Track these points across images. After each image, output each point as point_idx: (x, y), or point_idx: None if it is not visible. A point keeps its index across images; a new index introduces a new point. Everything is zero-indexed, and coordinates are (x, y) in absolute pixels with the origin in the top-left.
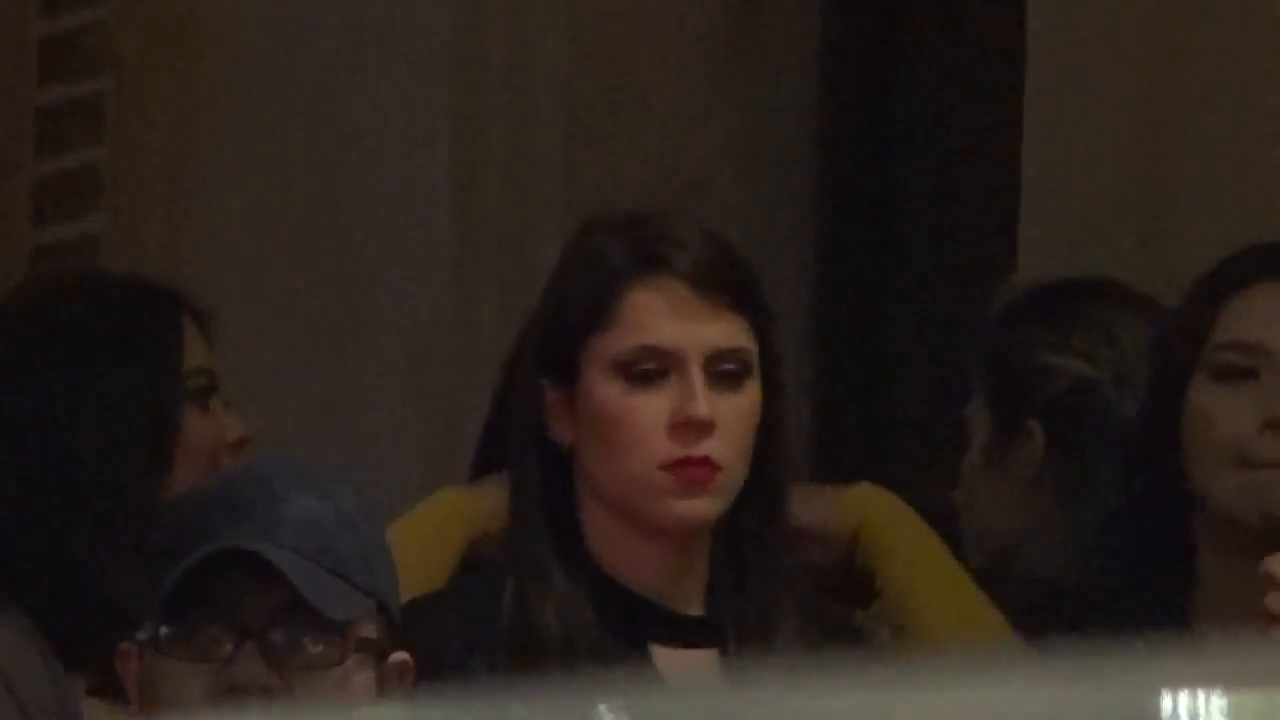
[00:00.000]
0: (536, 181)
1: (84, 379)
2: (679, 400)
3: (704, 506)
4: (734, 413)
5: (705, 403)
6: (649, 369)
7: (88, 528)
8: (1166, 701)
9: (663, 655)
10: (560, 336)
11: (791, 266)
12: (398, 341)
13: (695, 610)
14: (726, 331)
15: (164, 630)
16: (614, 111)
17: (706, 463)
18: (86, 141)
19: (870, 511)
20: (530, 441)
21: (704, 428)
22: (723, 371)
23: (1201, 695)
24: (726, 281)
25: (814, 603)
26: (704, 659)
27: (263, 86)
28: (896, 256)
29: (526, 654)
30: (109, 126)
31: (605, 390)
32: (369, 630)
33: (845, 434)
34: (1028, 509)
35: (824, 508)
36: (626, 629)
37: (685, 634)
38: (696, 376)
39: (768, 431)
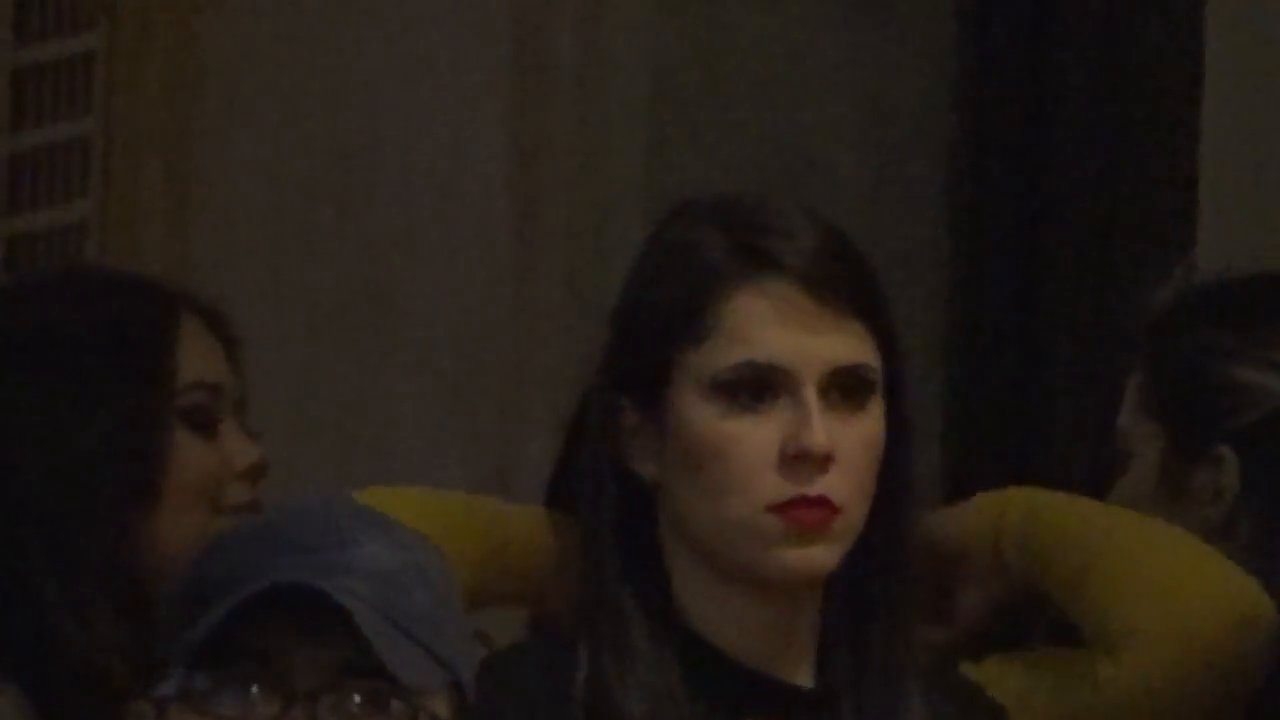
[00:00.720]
0: (611, 158)
1: (51, 399)
2: (791, 427)
3: (820, 556)
4: (855, 442)
5: (823, 430)
6: (756, 390)
7: (56, 576)
8: None
9: None
10: (644, 348)
11: (924, 263)
12: (445, 348)
13: (805, 681)
14: (847, 344)
15: (198, 681)
16: (707, 74)
17: (824, 503)
18: (71, 111)
19: (1012, 503)
20: (606, 475)
21: (821, 461)
22: (842, 392)
23: None
24: (845, 283)
25: (946, 671)
26: None
27: (281, 40)
28: (1047, 250)
29: None
30: (98, 93)
31: (700, 414)
32: (440, 707)
33: (982, 458)
34: None
35: (949, 519)
36: (724, 704)
37: (794, 709)
38: (812, 399)
39: (892, 463)
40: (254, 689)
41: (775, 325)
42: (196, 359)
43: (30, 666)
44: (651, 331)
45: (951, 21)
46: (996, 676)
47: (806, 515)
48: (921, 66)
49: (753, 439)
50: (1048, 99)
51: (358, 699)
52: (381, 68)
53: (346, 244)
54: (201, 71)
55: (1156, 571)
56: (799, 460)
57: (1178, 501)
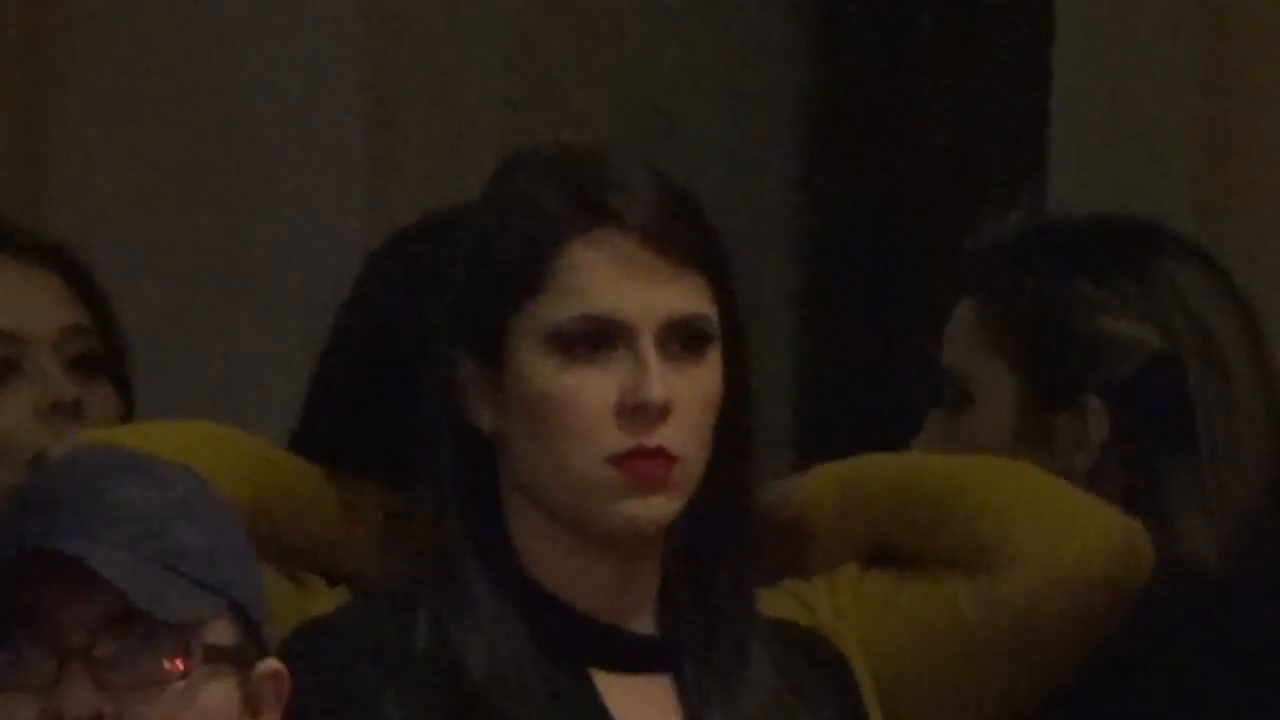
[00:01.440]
0: (468, 112)
1: None
2: (629, 379)
3: (659, 506)
4: (693, 393)
5: (660, 382)
6: (593, 342)
7: None
8: None
9: (609, 683)
10: (482, 301)
11: (780, 216)
12: (300, 300)
13: (646, 629)
14: (684, 295)
15: None
16: (565, 26)
17: (661, 454)
18: None
19: (852, 464)
20: (445, 429)
21: (659, 412)
22: (679, 343)
23: None
24: (683, 235)
25: (788, 623)
26: (658, 687)
27: None
28: (903, 203)
29: (449, 691)
30: None
31: (539, 368)
32: (221, 635)
33: (834, 412)
34: None
35: (789, 489)
36: (568, 654)
37: (636, 658)
38: (649, 350)
39: (731, 413)
40: (27, 652)
41: (612, 278)
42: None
43: None
44: (489, 284)
45: None
46: (866, 578)
47: (645, 467)
48: (778, 19)
49: (591, 391)
50: (904, 49)
51: (128, 643)
52: (239, 19)
53: (203, 197)
54: (61, 23)
55: (1044, 501)
56: (637, 412)
57: (1040, 448)
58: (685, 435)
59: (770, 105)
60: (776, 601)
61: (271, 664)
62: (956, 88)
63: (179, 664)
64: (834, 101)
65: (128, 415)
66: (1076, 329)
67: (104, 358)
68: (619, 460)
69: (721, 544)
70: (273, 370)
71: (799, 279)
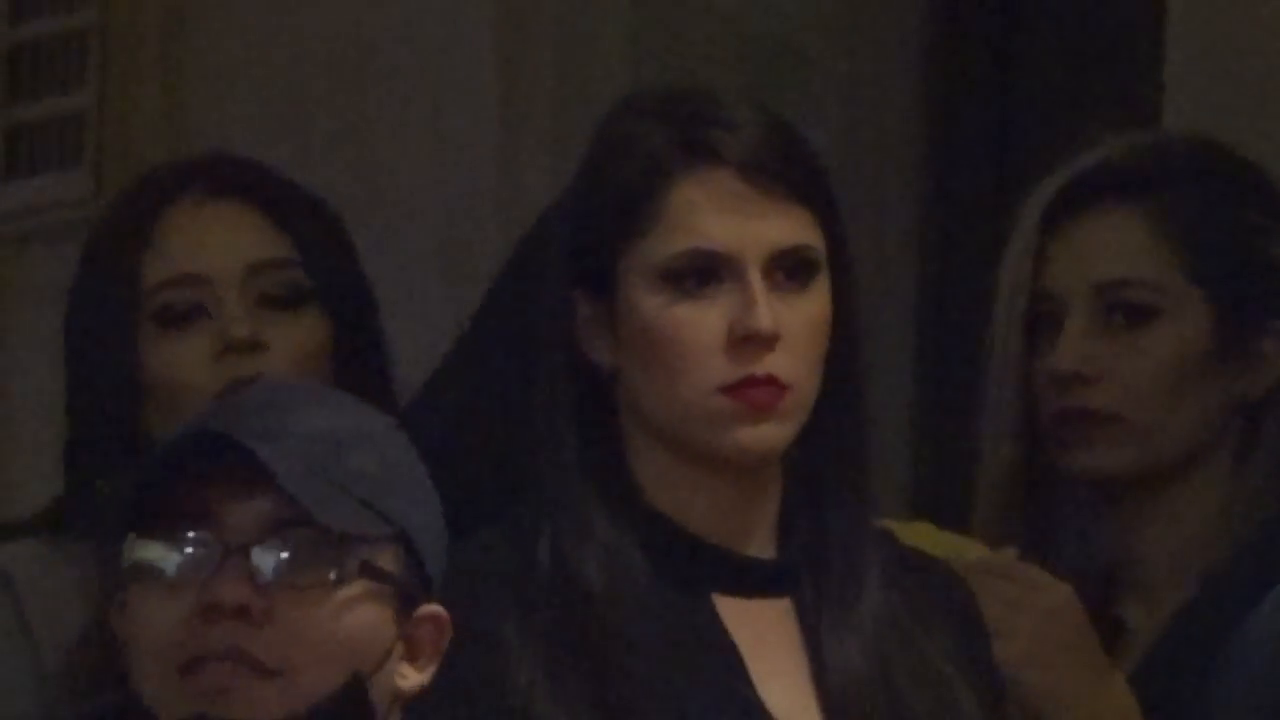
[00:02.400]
0: (594, 53)
1: (72, 302)
2: (737, 311)
3: (771, 433)
4: (801, 321)
5: (767, 312)
6: (702, 276)
7: (72, 471)
8: None
9: (728, 606)
10: (594, 241)
11: (901, 150)
12: (431, 239)
13: (765, 554)
14: (788, 227)
15: (141, 550)
16: None
17: (772, 382)
18: (70, 4)
19: None
20: (562, 364)
21: (767, 341)
22: (785, 273)
23: None
24: (785, 169)
25: (904, 547)
26: (777, 610)
27: None
28: (1019, 134)
29: (568, 616)
30: None
31: (650, 303)
32: (383, 560)
33: (954, 345)
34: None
35: None
36: (685, 578)
37: (754, 582)
38: (756, 282)
39: (841, 340)
40: (193, 545)
41: (717, 213)
42: (179, 250)
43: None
44: (601, 225)
45: None
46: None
47: (756, 395)
48: None
49: (701, 324)
50: None
51: (289, 547)
52: None
53: (337, 137)
54: None
55: None
56: (746, 342)
57: (1229, 368)
58: (794, 363)
59: (893, 42)
60: (920, 534)
61: (435, 608)
62: (1069, 26)
63: (333, 574)
64: (953, 39)
65: (344, 346)
66: (1267, 256)
67: (309, 289)
68: (730, 389)
69: (837, 469)
70: (402, 304)
71: (921, 210)
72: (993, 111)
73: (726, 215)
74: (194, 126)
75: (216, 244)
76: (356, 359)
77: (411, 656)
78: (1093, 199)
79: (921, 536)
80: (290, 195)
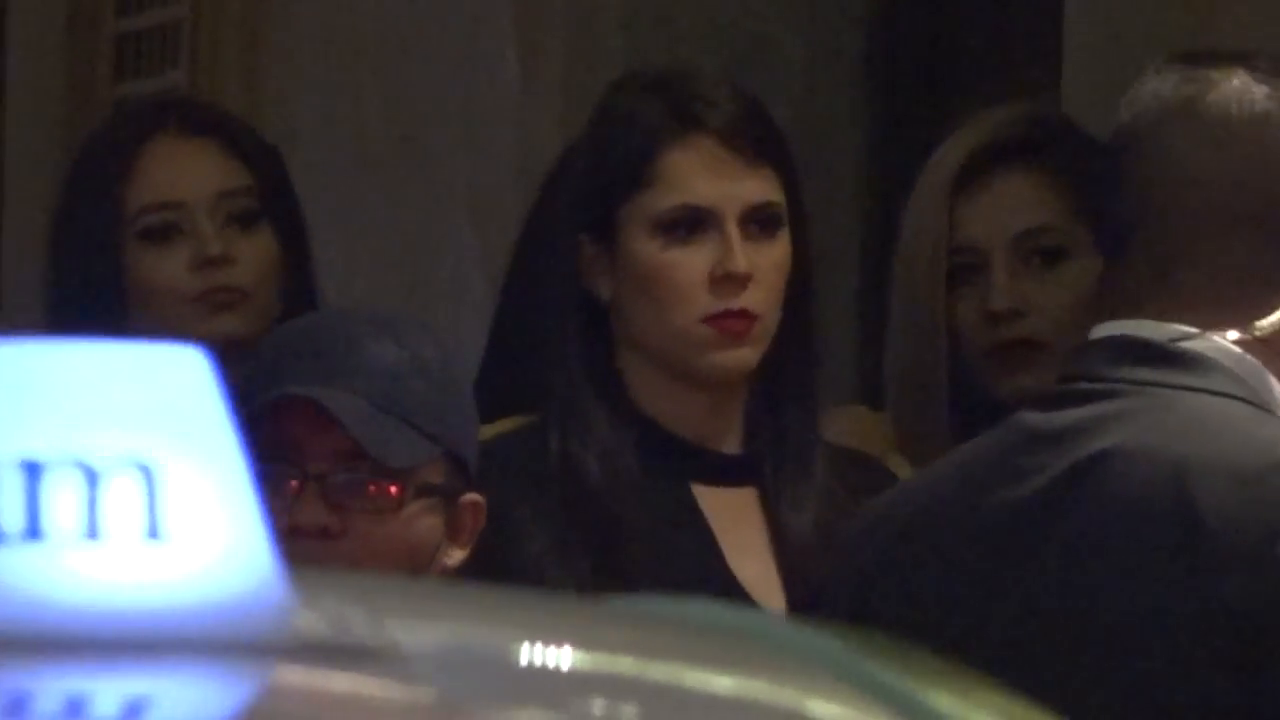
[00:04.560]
0: (596, 29)
1: (58, 223)
2: (718, 255)
3: (744, 356)
4: (768, 264)
5: (743, 257)
6: (688, 226)
7: None
8: None
9: (704, 494)
10: (598, 195)
11: (848, 120)
12: (462, 192)
13: (735, 450)
14: (759, 186)
15: None
16: None
17: (745, 314)
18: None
19: None
20: (569, 295)
21: (742, 280)
22: (757, 225)
23: None
24: (757, 137)
25: (842, 448)
26: (744, 496)
27: None
28: (948, 110)
29: (572, 500)
30: None
31: (646, 247)
32: (434, 475)
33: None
34: None
35: None
36: (669, 470)
37: (726, 473)
38: (733, 231)
39: (799, 279)
40: (278, 474)
41: (703, 174)
42: (163, 175)
43: None
44: (604, 182)
45: None
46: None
47: (732, 324)
48: None
49: (688, 265)
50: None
51: (357, 475)
52: None
53: (386, 95)
54: None
55: None
56: (725, 280)
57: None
58: (763, 298)
59: (842, 29)
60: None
61: (473, 496)
62: (988, 14)
63: (397, 498)
64: (893, 24)
65: (290, 264)
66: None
67: (263, 214)
68: (711, 319)
69: (793, 382)
70: (435, 237)
71: (865, 170)
72: (926, 86)
73: (710, 176)
74: (270, 101)
75: (191, 174)
76: (298, 270)
77: (454, 537)
78: (996, 162)
79: (857, 417)
80: (247, 134)
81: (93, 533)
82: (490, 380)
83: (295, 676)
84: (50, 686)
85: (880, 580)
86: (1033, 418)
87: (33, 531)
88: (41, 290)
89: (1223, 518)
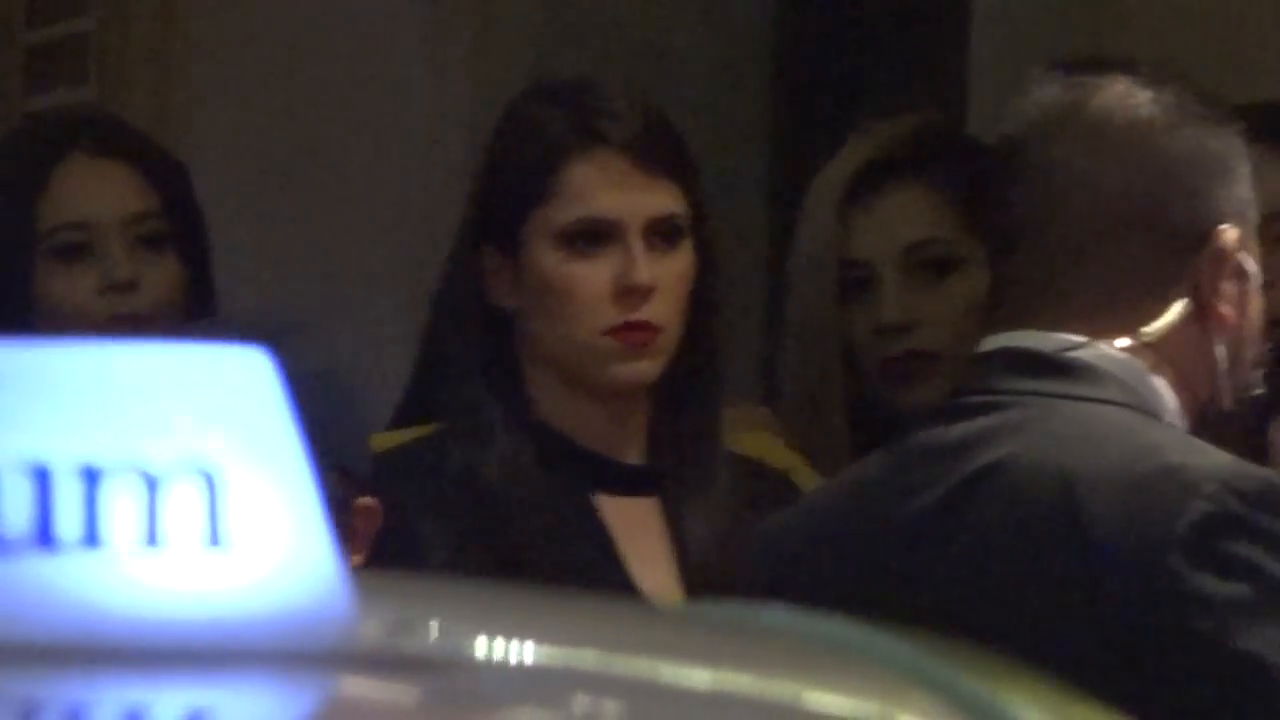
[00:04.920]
0: (505, 53)
1: None
2: (620, 267)
3: (646, 367)
4: (671, 276)
5: (645, 269)
6: (591, 239)
7: None
8: None
9: (606, 504)
10: (503, 208)
11: (750, 130)
12: (379, 203)
13: (637, 460)
14: (662, 199)
15: None
16: None
17: (647, 326)
18: (74, 13)
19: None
20: (473, 305)
21: (645, 293)
22: (660, 237)
23: None
24: (660, 150)
25: (744, 458)
26: (646, 506)
27: None
28: (855, 120)
29: (473, 510)
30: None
31: (549, 260)
32: (329, 485)
33: None
34: None
35: None
36: (571, 480)
37: (628, 483)
38: (636, 244)
39: (702, 291)
40: None
41: (606, 187)
42: (75, 195)
43: None
44: (508, 194)
45: None
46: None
47: (634, 336)
48: None
49: (591, 278)
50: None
51: None
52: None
53: (294, 106)
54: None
55: None
56: (627, 293)
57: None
58: (666, 310)
59: (744, 43)
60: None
61: (367, 501)
62: (895, 21)
63: None
64: (796, 37)
65: (194, 287)
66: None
67: (171, 237)
68: (614, 331)
69: (695, 392)
70: (352, 254)
71: (767, 179)
72: (831, 97)
73: (613, 189)
74: (178, 114)
75: (102, 195)
76: (202, 293)
77: (347, 543)
78: (885, 176)
79: (766, 426)
80: (157, 155)
81: (152, 540)
82: (417, 391)
83: (359, 688)
84: (108, 698)
85: (781, 596)
86: (926, 432)
87: (91, 539)
88: None
89: (1111, 526)
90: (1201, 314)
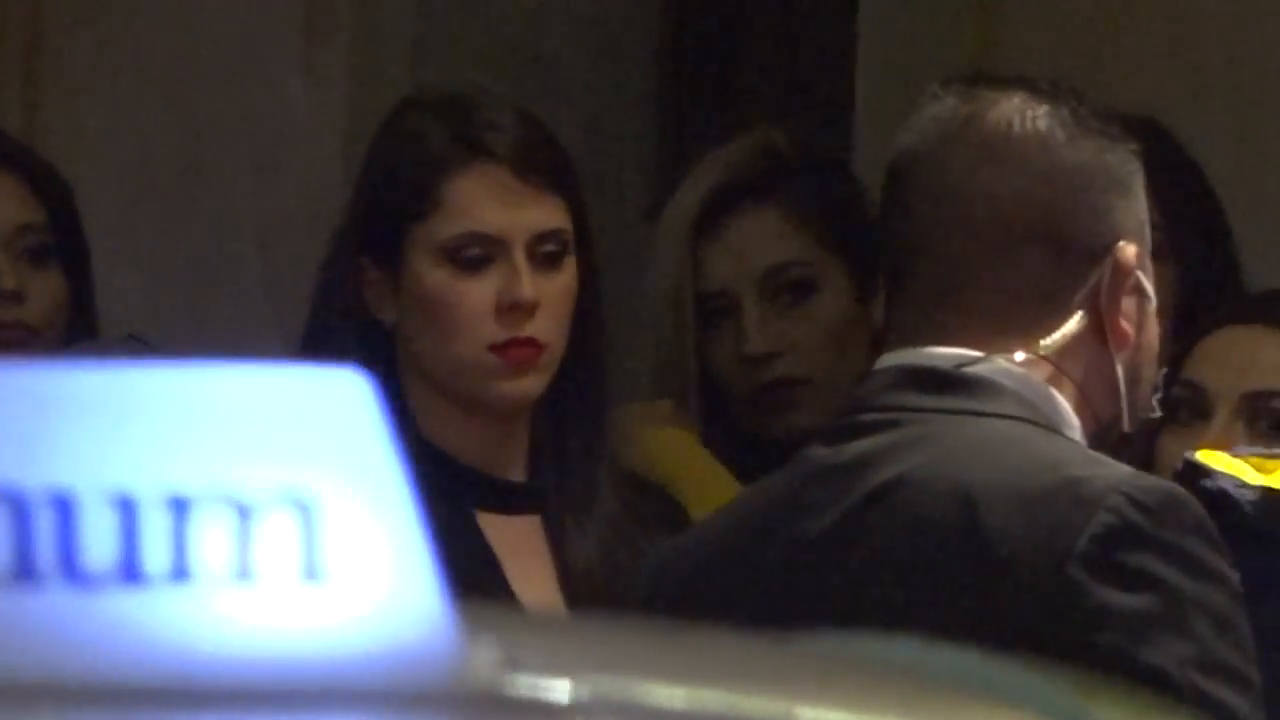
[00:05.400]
0: (384, 57)
1: None
2: (504, 283)
3: (530, 384)
4: (556, 292)
5: (530, 285)
6: (474, 254)
7: None
8: None
9: (489, 521)
10: (382, 221)
11: (635, 142)
12: (249, 214)
13: (519, 478)
14: (547, 214)
15: None
16: None
17: (531, 343)
18: None
19: None
20: (352, 320)
21: (529, 309)
22: (544, 253)
23: None
24: (544, 165)
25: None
26: (529, 524)
27: None
28: (741, 130)
29: None
30: None
31: (432, 275)
32: None
33: None
34: None
35: None
36: (453, 497)
37: (511, 500)
38: (521, 260)
39: (586, 307)
40: None
41: (489, 202)
42: None
43: None
44: (388, 208)
45: None
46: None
47: (518, 353)
48: None
49: (475, 294)
50: (735, 17)
51: None
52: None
53: (169, 120)
54: None
55: None
56: (512, 309)
57: (863, 329)
58: (550, 326)
59: (628, 52)
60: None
61: None
62: (779, 34)
63: None
64: (680, 48)
65: (76, 300)
66: (867, 220)
67: (55, 250)
68: (497, 348)
69: (579, 409)
70: (223, 265)
71: (652, 193)
72: (716, 106)
73: (497, 204)
74: (50, 128)
75: None
76: (83, 309)
77: None
78: (732, 204)
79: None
80: (43, 170)
81: (244, 574)
82: None
83: None
84: None
85: (673, 618)
86: (820, 451)
87: (179, 573)
88: None
89: (1010, 541)
90: (1100, 329)
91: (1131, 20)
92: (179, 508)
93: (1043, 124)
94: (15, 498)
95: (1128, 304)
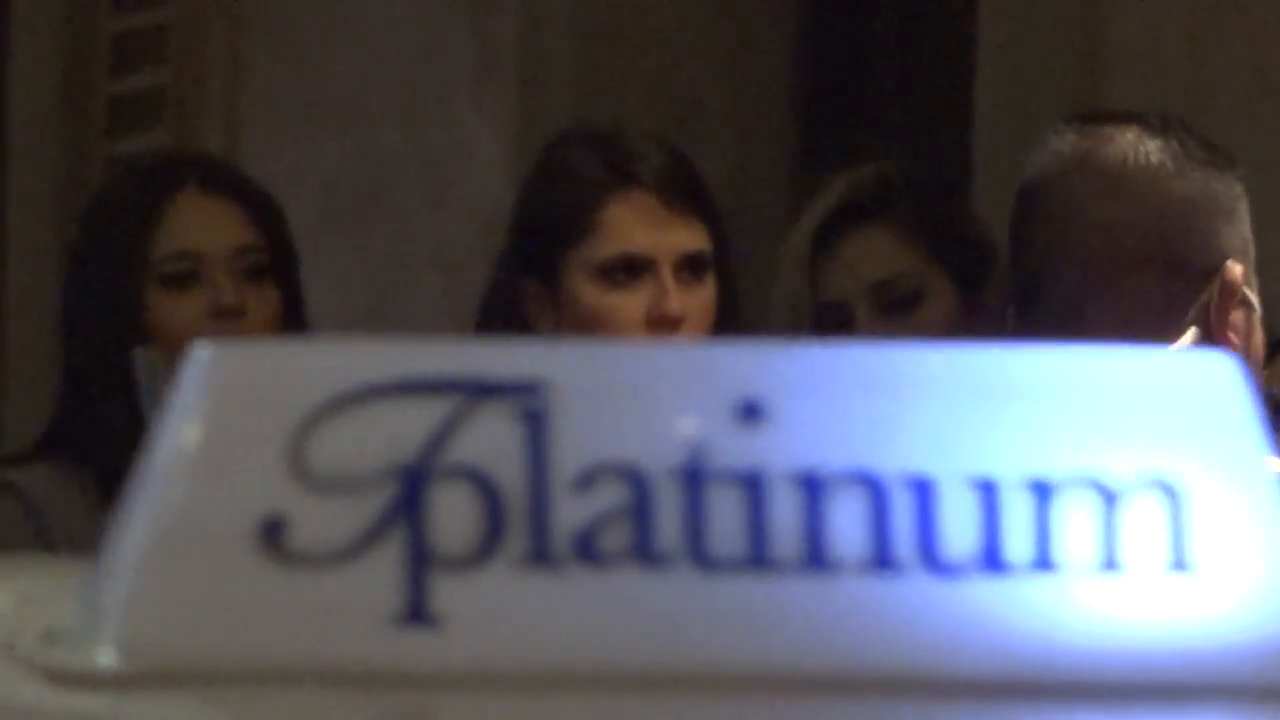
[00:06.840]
0: (549, 86)
1: (79, 260)
2: (653, 299)
3: None
4: (698, 306)
5: (676, 300)
6: (627, 272)
7: (74, 403)
8: None
9: None
10: (542, 244)
11: (775, 177)
12: (426, 240)
13: None
14: (690, 236)
15: None
16: (619, 34)
17: None
18: (155, 62)
19: None
20: (516, 331)
21: (675, 322)
22: (688, 271)
23: None
24: (687, 191)
25: None
26: None
27: (307, 19)
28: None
29: None
30: (172, 52)
31: (588, 292)
32: None
33: None
34: None
35: None
36: None
37: None
38: (668, 277)
39: (724, 320)
40: None
41: (639, 225)
42: (184, 226)
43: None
44: (548, 232)
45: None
46: None
47: None
48: (770, 28)
49: (626, 308)
50: (863, 52)
51: None
52: (371, 26)
53: (352, 151)
54: (246, 33)
55: None
56: (660, 323)
57: (973, 322)
58: (693, 338)
59: (767, 89)
60: None
61: None
62: (906, 79)
63: None
64: (813, 89)
65: (290, 314)
66: (972, 234)
67: (270, 268)
68: None
69: None
70: (402, 281)
71: (786, 218)
72: (847, 144)
73: (646, 227)
74: (245, 158)
75: (211, 228)
76: (296, 323)
77: None
78: (847, 223)
79: None
80: (259, 195)
81: (1110, 563)
82: None
83: None
84: None
85: None
86: None
87: (1043, 560)
88: (49, 325)
89: None
90: (1210, 343)
91: (1221, 54)
92: (1041, 493)
93: (1155, 158)
94: (874, 482)
95: (1236, 318)
